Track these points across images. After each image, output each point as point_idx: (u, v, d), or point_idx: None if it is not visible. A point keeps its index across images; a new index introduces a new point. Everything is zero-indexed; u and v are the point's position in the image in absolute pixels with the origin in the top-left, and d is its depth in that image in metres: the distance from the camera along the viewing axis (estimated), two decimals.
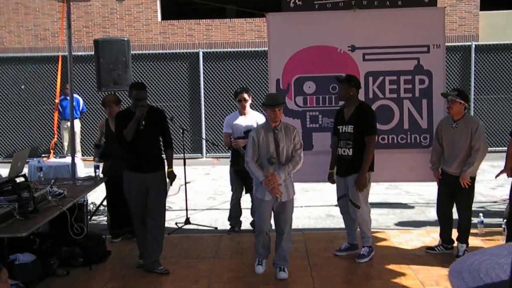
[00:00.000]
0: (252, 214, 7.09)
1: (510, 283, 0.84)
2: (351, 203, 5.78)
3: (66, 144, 12.39)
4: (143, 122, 5.46)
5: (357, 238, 6.06)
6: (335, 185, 6.05)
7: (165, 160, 5.82)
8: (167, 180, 5.87)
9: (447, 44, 6.74)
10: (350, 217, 5.97)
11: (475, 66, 13.82)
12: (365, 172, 5.65)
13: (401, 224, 7.51)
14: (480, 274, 0.86)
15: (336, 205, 8.30)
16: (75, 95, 12.84)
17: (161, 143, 5.87)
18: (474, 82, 13.82)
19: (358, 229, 5.96)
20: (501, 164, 6.16)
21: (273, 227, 5.62)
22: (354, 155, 5.69)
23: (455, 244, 5.99)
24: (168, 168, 5.84)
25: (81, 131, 13.22)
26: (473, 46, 13.88)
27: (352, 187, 5.73)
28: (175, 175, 5.91)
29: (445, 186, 5.93)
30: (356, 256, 5.85)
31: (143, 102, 5.51)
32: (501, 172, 6.03)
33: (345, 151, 5.76)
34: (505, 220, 6.10)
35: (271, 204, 5.37)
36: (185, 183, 7.49)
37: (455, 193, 5.88)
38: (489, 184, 9.42)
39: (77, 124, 12.85)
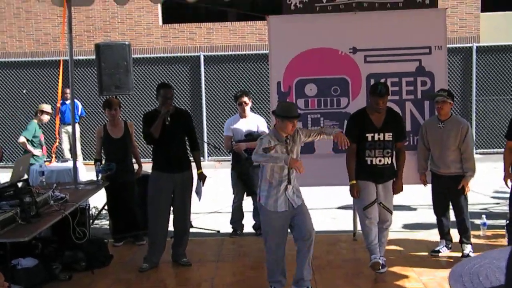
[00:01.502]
0: (254, 217, 7.09)
1: (506, 285, 0.83)
2: (387, 210, 5.54)
3: (66, 148, 12.40)
4: (168, 118, 5.71)
5: None
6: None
7: (193, 162, 6.04)
8: (200, 181, 6.06)
9: (448, 45, 6.73)
10: (376, 226, 5.53)
11: (476, 68, 13.81)
12: (402, 177, 5.64)
13: (404, 226, 7.49)
14: (480, 278, 0.86)
15: (339, 208, 8.31)
16: (75, 100, 12.87)
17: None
18: (476, 84, 13.80)
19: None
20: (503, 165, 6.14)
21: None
22: (392, 162, 5.56)
23: (456, 246, 5.99)
24: (197, 170, 6.07)
25: (80, 135, 13.22)
26: (474, 47, 13.87)
27: (389, 194, 5.58)
28: (205, 176, 6.13)
29: (438, 187, 5.95)
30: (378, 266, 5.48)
31: (170, 101, 5.81)
32: (506, 179, 5.91)
33: (382, 160, 5.42)
34: (507, 222, 6.08)
35: (285, 216, 4.83)
36: None
37: (449, 193, 5.90)
38: (492, 186, 9.39)
39: (76, 128, 12.85)
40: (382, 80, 6.22)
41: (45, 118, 8.51)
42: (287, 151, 4.77)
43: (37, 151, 8.25)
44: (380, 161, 5.44)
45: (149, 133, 5.70)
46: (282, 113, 4.75)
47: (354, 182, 5.47)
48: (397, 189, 5.67)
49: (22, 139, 8.33)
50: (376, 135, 5.41)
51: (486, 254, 0.94)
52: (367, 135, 5.41)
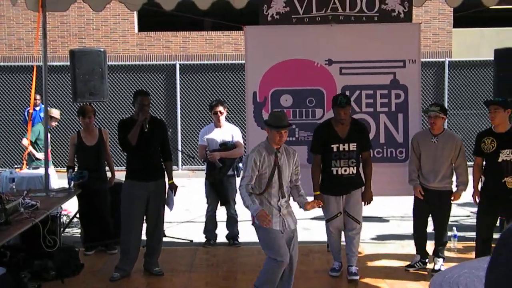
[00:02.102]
0: (228, 227, 7.06)
1: None
2: (352, 219, 5.62)
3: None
4: (147, 125, 5.69)
5: None
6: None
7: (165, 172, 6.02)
8: (171, 191, 6.06)
9: (421, 60, 6.82)
10: (340, 236, 5.82)
11: (448, 82, 14.06)
12: (371, 186, 5.70)
13: (376, 237, 7.54)
14: (459, 287, 0.87)
15: (311, 219, 8.32)
16: (43, 106, 12.70)
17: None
18: (448, 98, 14.05)
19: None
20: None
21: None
22: (358, 172, 5.65)
23: (429, 257, 6.02)
24: (169, 180, 6.05)
25: (51, 142, 13.03)
26: (447, 62, 14.14)
27: (356, 203, 5.64)
28: (177, 186, 6.13)
29: (424, 202, 5.85)
30: (347, 274, 5.68)
31: (147, 108, 5.80)
32: (475, 195, 5.86)
33: (347, 170, 5.54)
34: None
35: (280, 233, 4.65)
36: None
37: (434, 208, 5.85)
38: (462, 198, 9.51)
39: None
40: (357, 92, 6.30)
41: (53, 123, 8.54)
42: (276, 163, 4.62)
43: (39, 155, 8.33)
44: (345, 170, 5.57)
45: (126, 139, 5.67)
46: (270, 122, 4.66)
47: (318, 193, 5.62)
48: (367, 198, 5.74)
49: (25, 141, 8.41)
50: (341, 145, 5.55)
51: (465, 263, 0.95)
52: (332, 146, 5.55)
